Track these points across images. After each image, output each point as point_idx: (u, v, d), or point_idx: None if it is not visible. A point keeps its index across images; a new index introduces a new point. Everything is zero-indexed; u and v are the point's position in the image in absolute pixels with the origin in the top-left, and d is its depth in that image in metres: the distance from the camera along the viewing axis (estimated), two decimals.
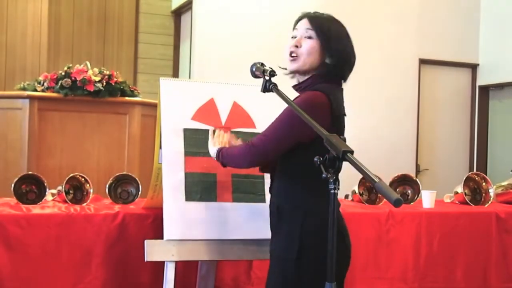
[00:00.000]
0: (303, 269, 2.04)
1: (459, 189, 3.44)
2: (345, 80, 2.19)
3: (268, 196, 2.57)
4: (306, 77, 2.16)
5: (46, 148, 4.11)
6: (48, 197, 2.90)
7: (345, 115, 2.16)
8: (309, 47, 2.13)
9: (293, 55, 2.16)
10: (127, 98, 4.29)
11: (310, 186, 2.06)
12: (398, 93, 6.55)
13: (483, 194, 3.43)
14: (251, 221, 2.53)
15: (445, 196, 3.63)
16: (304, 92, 2.14)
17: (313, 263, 2.03)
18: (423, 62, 6.74)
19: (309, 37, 2.14)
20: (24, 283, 2.47)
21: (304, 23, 2.17)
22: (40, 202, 2.78)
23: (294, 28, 2.22)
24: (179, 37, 7.16)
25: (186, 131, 2.54)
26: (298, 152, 2.09)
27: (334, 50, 2.12)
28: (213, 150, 2.32)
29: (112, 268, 2.58)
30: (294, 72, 2.19)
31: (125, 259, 2.60)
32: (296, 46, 2.15)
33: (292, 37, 2.19)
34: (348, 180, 2.44)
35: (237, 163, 2.25)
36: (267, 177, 2.59)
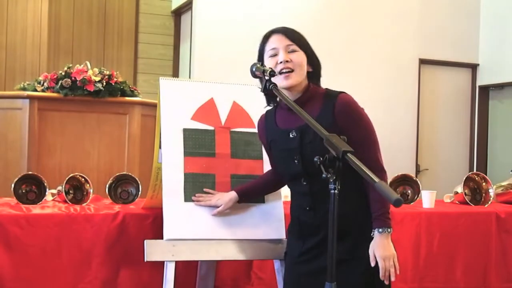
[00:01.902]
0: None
1: (459, 189, 3.44)
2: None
3: (268, 196, 2.58)
4: (303, 89, 2.21)
5: (46, 148, 4.11)
6: (48, 197, 2.90)
7: None
8: (300, 59, 2.19)
9: (284, 70, 2.17)
10: (127, 98, 4.29)
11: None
12: (398, 93, 6.56)
13: (483, 194, 3.43)
14: (250, 221, 2.53)
15: (445, 196, 3.63)
16: (308, 102, 2.19)
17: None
18: (423, 62, 6.75)
19: (294, 51, 2.19)
20: (24, 283, 2.47)
21: (280, 39, 2.20)
22: (40, 202, 2.78)
23: (264, 46, 2.26)
24: (179, 37, 7.16)
25: (186, 131, 2.54)
26: None
27: (311, 57, 2.22)
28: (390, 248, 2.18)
29: (112, 268, 2.58)
30: (287, 88, 2.20)
31: (125, 259, 2.60)
32: (287, 61, 2.17)
33: (271, 56, 2.21)
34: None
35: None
36: None
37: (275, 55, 2.20)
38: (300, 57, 2.18)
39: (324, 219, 1.90)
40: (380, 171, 2.14)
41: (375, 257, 2.11)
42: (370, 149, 2.15)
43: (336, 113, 2.13)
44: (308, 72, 2.21)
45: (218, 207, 2.47)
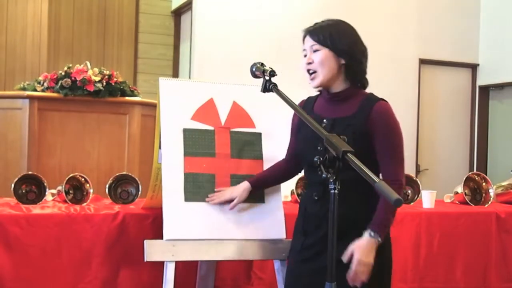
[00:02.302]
0: (387, 264, 2.23)
1: (459, 189, 3.44)
2: (365, 74, 2.28)
3: (268, 196, 2.58)
4: (342, 88, 2.23)
5: (46, 148, 4.11)
6: (48, 197, 2.90)
7: None
8: (320, 58, 2.20)
9: (310, 72, 2.24)
10: (127, 98, 4.29)
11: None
12: (398, 93, 6.55)
13: (483, 194, 3.43)
14: (250, 221, 2.53)
15: (445, 196, 3.63)
16: (347, 100, 2.22)
17: (389, 262, 2.25)
18: (423, 62, 6.75)
19: (316, 50, 2.21)
20: (24, 283, 2.47)
21: (307, 40, 2.25)
22: (40, 202, 2.78)
23: (303, 49, 2.29)
24: (179, 37, 7.16)
25: (186, 131, 2.54)
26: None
27: (342, 49, 2.19)
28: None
29: (112, 268, 2.58)
30: (319, 87, 2.26)
31: (125, 259, 2.60)
32: (309, 63, 2.23)
33: (304, 57, 2.27)
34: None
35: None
36: None
37: (305, 56, 2.26)
38: (320, 56, 2.20)
39: (326, 213, 1.91)
40: (395, 184, 2.11)
41: (352, 256, 2.06)
42: (392, 162, 2.16)
43: (371, 117, 2.16)
44: (345, 65, 2.21)
45: (232, 200, 2.47)
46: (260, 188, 2.53)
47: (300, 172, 2.54)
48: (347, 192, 2.08)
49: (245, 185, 2.47)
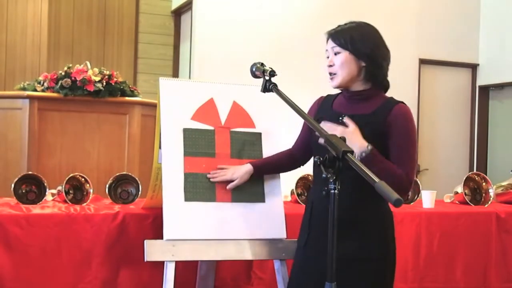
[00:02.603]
0: (390, 267, 2.24)
1: (459, 189, 3.44)
2: (386, 76, 2.28)
3: (268, 196, 2.58)
4: (362, 88, 2.25)
5: (46, 148, 4.11)
6: (48, 197, 2.90)
7: None
8: (340, 61, 2.23)
9: (331, 74, 2.26)
10: (127, 98, 4.29)
11: None
12: (398, 93, 6.48)
13: (483, 194, 3.43)
14: (250, 221, 2.53)
15: (445, 196, 3.63)
16: (367, 100, 2.24)
17: (393, 260, 2.26)
18: (423, 62, 6.75)
19: (337, 53, 2.23)
20: (24, 283, 2.47)
21: (329, 43, 2.27)
22: (40, 202, 2.78)
23: (325, 49, 2.31)
24: (179, 37, 7.16)
25: (186, 131, 2.54)
26: None
27: (363, 52, 2.20)
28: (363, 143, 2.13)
29: (112, 268, 2.58)
30: (338, 87, 2.29)
31: (125, 259, 2.60)
32: (330, 66, 2.26)
33: (327, 58, 2.30)
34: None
35: (395, 184, 2.05)
36: (266, 176, 2.59)
37: (328, 57, 2.29)
38: (340, 58, 2.22)
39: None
40: (406, 184, 2.16)
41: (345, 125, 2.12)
42: (404, 162, 2.17)
43: (390, 118, 2.18)
44: (365, 67, 2.22)
45: (233, 181, 2.50)
46: (262, 173, 2.56)
47: (303, 165, 2.54)
48: (353, 190, 2.09)
49: (247, 168, 2.50)
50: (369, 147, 2.10)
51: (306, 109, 2.31)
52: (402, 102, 2.25)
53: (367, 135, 2.12)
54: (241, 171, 2.50)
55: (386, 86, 2.30)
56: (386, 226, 2.25)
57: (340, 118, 2.20)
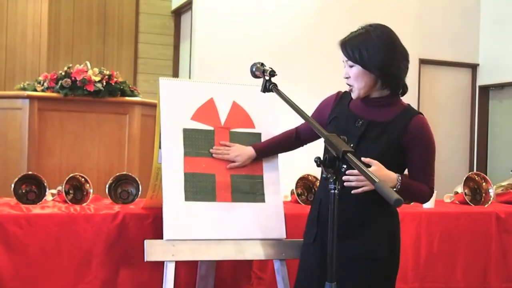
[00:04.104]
0: (395, 267, 2.25)
1: (459, 189, 3.44)
2: (403, 82, 2.25)
3: (268, 196, 2.58)
4: (381, 95, 2.22)
5: (46, 148, 4.11)
6: (48, 197, 2.90)
7: None
8: (354, 75, 2.21)
9: (349, 85, 2.25)
10: (127, 98, 4.29)
11: None
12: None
13: (483, 194, 3.43)
14: (251, 221, 2.52)
15: (445, 196, 3.63)
16: (385, 107, 2.22)
17: (398, 260, 2.28)
18: (423, 62, 6.75)
19: (351, 66, 2.21)
20: (24, 283, 2.47)
21: (342, 53, 2.24)
22: (40, 202, 2.77)
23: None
24: (179, 37, 7.16)
25: (186, 131, 2.54)
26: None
27: (373, 66, 2.16)
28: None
29: (112, 268, 2.58)
30: (359, 98, 2.25)
31: (125, 259, 2.60)
32: (346, 77, 2.24)
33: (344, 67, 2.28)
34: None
35: (423, 200, 2.32)
36: (266, 176, 2.59)
37: (345, 66, 2.26)
38: (354, 72, 2.20)
39: (343, 206, 1.90)
40: (429, 197, 2.25)
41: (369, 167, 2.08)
42: (426, 173, 2.21)
43: (408, 131, 2.17)
44: (379, 75, 2.18)
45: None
46: (264, 155, 2.58)
47: (305, 145, 2.55)
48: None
49: (250, 153, 2.53)
50: (399, 178, 2.12)
51: (306, 109, 2.30)
52: (420, 113, 2.25)
53: (383, 143, 2.14)
54: (244, 155, 2.53)
55: (404, 90, 2.27)
56: (394, 226, 2.27)
57: (358, 123, 2.19)
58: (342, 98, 2.34)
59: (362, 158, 2.10)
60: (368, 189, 2.07)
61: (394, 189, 2.09)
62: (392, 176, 2.11)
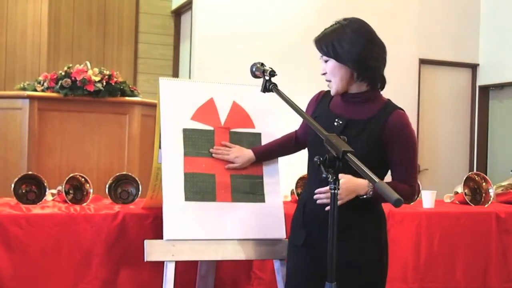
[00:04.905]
0: (384, 269, 2.21)
1: (459, 189, 3.44)
2: (380, 75, 2.22)
3: (268, 196, 2.58)
4: (360, 90, 2.19)
5: (46, 148, 4.11)
6: (48, 197, 2.90)
7: None
8: (329, 69, 2.20)
9: (327, 81, 2.24)
10: (127, 98, 4.29)
11: None
12: (398, 93, 6.50)
13: (483, 194, 3.43)
14: (250, 221, 2.53)
15: (445, 196, 3.63)
16: (364, 103, 2.20)
17: (386, 265, 2.24)
18: (423, 62, 6.74)
19: (326, 61, 2.20)
20: (24, 283, 2.47)
21: (317, 50, 2.23)
22: (40, 202, 2.77)
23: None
24: (179, 37, 7.16)
25: (186, 131, 2.54)
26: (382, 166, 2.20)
27: (346, 58, 2.15)
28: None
29: (112, 268, 2.58)
30: (338, 94, 2.24)
31: (125, 259, 2.60)
32: (324, 73, 2.23)
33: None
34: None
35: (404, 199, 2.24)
36: (266, 176, 2.60)
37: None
38: (329, 66, 2.19)
39: (326, 211, 1.95)
40: (411, 196, 2.21)
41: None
42: (407, 170, 2.18)
43: (387, 127, 2.14)
44: (355, 68, 2.15)
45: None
46: (264, 159, 2.59)
47: (304, 149, 2.53)
48: None
49: (250, 156, 2.54)
50: (370, 184, 2.07)
51: (305, 109, 2.31)
52: (400, 108, 2.21)
53: (364, 141, 2.11)
54: (244, 157, 2.54)
55: (382, 84, 2.24)
56: (381, 228, 2.23)
57: (336, 122, 2.17)
58: (323, 97, 2.33)
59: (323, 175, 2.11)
60: (341, 203, 2.07)
61: (366, 195, 2.08)
62: (362, 184, 2.08)
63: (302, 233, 2.25)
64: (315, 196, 2.14)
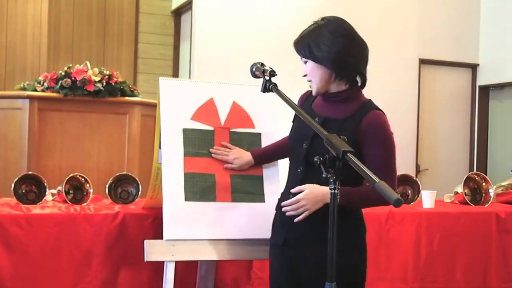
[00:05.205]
0: (363, 275, 2.19)
1: (459, 189, 3.44)
2: (357, 72, 2.19)
3: (268, 196, 2.58)
4: (340, 89, 2.17)
5: (46, 148, 4.11)
6: (48, 197, 2.90)
7: None
8: (309, 71, 2.19)
9: (308, 82, 2.23)
10: (127, 98, 4.29)
11: None
12: (398, 93, 6.55)
13: (483, 194, 3.43)
14: (250, 221, 2.53)
15: (445, 196, 3.63)
16: (344, 103, 2.17)
17: (364, 270, 2.21)
18: (423, 62, 6.74)
19: (305, 62, 2.20)
20: (24, 283, 2.47)
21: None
22: (40, 202, 2.78)
23: None
24: (179, 37, 7.16)
25: (186, 131, 2.54)
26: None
27: (322, 58, 2.13)
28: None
29: (112, 268, 2.58)
30: (319, 94, 2.22)
31: (125, 259, 2.60)
32: (304, 75, 2.22)
33: None
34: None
35: (379, 205, 2.18)
36: (266, 176, 2.60)
37: None
38: (308, 69, 2.19)
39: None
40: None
41: (300, 191, 2.08)
42: (382, 172, 2.01)
43: (361, 127, 2.10)
44: (333, 68, 2.14)
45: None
46: (262, 162, 2.59)
47: None
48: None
49: (249, 158, 2.55)
50: (332, 187, 2.01)
51: None
52: (378, 109, 2.16)
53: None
54: (243, 159, 2.54)
55: (363, 82, 2.20)
56: (358, 234, 2.20)
57: (316, 119, 2.14)
58: (308, 97, 2.32)
59: (292, 190, 2.12)
60: (309, 213, 2.07)
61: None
62: (327, 191, 1.97)
63: (282, 234, 2.23)
64: (283, 209, 2.14)
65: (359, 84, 2.20)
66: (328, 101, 2.21)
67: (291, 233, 2.19)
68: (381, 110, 2.17)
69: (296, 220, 2.10)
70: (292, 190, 2.12)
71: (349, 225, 2.11)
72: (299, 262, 2.16)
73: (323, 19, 2.20)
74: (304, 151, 2.16)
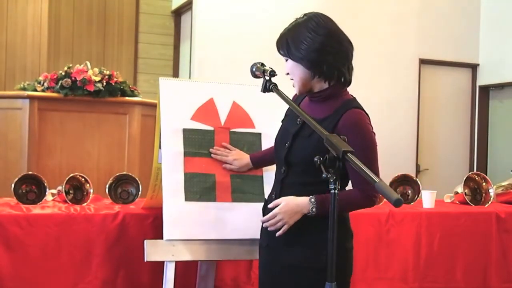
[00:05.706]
0: (343, 278, 2.08)
1: (459, 189, 3.44)
2: (348, 72, 2.15)
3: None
4: (321, 88, 2.13)
5: (46, 148, 4.11)
6: (48, 197, 2.90)
7: None
8: (289, 69, 2.16)
9: (291, 81, 2.19)
10: (127, 98, 4.29)
11: None
12: (398, 93, 6.55)
13: (483, 194, 3.43)
14: (250, 221, 2.52)
15: (445, 196, 3.63)
16: (325, 102, 2.13)
17: (350, 272, 2.16)
18: (423, 62, 6.74)
19: (286, 60, 2.17)
20: (24, 283, 2.47)
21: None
22: (40, 202, 2.77)
23: None
24: (179, 37, 7.16)
25: (186, 131, 2.54)
26: None
27: (298, 57, 2.10)
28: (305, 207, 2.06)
29: (112, 268, 2.58)
30: (302, 94, 2.21)
31: (125, 259, 2.60)
32: (287, 74, 2.19)
33: None
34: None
35: (356, 206, 2.13)
36: (266, 176, 2.60)
37: None
38: (288, 68, 2.15)
39: None
40: (363, 195, 2.05)
41: (276, 206, 2.07)
42: (359, 174, 1.91)
43: (339, 126, 2.05)
44: (312, 66, 2.09)
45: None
46: (261, 165, 2.58)
47: None
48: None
49: (247, 161, 2.54)
50: (312, 200, 2.02)
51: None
52: (357, 106, 2.09)
53: (316, 140, 2.00)
54: (242, 161, 2.54)
55: (347, 80, 2.13)
56: (345, 234, 2.13)
57: (298, 120, 2.14)
58: (299, 96, 2.30)
59: (269, 206, 2.12)
60: (288, 226, 2.06)
61: (309, 213, 2.03)
62: (303, 203, 2.03)
63: (265, 237, 2.23)
64: (263, 225, 2.16)
65: (341, 82, 2.13)
66: (312, 101, 2.18)
67: (271, 237, 2.17)
68: (361, 108, 2.11)
69: (277, 235, 2.08)
70: (269, 206, 2.12)
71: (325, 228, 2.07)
72: (276, 263, 2.16)
73: (304, 15, 2.18)
74: (285, 151, 2.15)
